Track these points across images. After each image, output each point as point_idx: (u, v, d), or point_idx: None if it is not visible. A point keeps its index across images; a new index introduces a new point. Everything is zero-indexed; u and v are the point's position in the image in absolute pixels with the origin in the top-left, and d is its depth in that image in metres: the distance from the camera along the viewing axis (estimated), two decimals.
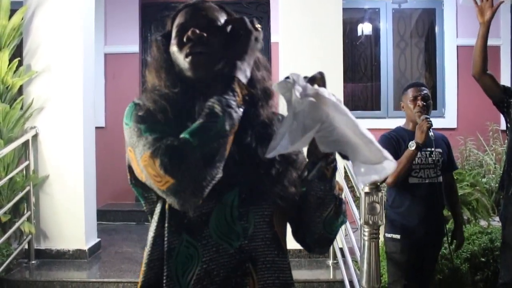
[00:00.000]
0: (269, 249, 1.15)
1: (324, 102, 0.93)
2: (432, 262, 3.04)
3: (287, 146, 0.94)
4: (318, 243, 1.23)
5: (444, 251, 3.32)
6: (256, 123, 1.17)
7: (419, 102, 2.91)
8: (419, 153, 2.82)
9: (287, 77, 0.95)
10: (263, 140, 1.14)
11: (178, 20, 1.20)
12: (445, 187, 3.02)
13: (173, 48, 1.18)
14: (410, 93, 2.97)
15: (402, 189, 2.90)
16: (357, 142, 0.93)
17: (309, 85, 0.95)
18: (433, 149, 2.89)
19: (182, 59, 1.15)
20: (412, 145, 2.78)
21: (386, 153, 0.93)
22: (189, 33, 1.14)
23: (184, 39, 1.15)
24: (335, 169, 1.15)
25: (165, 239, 1.09)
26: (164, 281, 1.08)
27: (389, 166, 0.92)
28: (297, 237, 1.27)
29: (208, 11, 1.19)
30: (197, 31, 1.14)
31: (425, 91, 2.97)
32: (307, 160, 1.16)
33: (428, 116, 2.84)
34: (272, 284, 1.14)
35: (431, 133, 2.81)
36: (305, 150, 1.14)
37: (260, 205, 1.14)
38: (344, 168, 3.40)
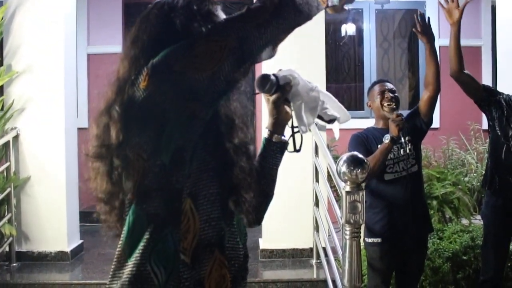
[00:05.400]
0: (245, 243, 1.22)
1: (318, 91, 1.34)
2: (418, 263, 2.91)
3: (310, 121, 1.32)
4: (267, 210, 1.33)
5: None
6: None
7: (387, 94, 2.85)
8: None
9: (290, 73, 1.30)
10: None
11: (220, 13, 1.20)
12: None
13: None
14: (377, 88, 2.91)
15: (379, 188, 2.82)
16: (338, 110, 1.39)
17: (307, 82, 1.32)
18: (402, 140, 2.80)
19: None
20: (386, 138, 2.72)
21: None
22: None
23: None
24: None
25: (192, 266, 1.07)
26: None
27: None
28: (255, 221, 1.29)
29: None
30: None
31: (391, 86, 2.92)
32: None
33: (400, 113, 2.79)
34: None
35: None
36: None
37: (244, 204, 1.18)
38: (327, 168, 3.41)
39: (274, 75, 1.27)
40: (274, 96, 1.27)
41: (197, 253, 1.05)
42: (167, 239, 1.04)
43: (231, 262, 1.11)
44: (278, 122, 1.32)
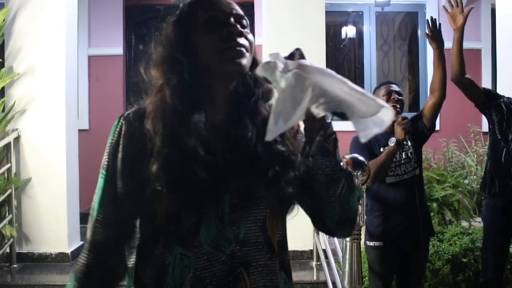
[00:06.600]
0: (261, 253, 1.12)
1: (308, 70, 0.95)
2: (419, 266, 2.89)
3: (283, 124, 0.95)
4: (340, 225, 1.18)
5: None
6: (256, 122, 1.13)
7: (394, 96, 2.84)
8: None
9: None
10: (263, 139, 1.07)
11: (209, 10, 1.13)
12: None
13: (207, 39, 1.11)
14: (383, 89, 2.89)
15: (380, 191, 2.81)
16: (350, 99, 0.94)
17: (289, 61, 0.96)
18: (404, 143, 2.79)
19: (219, 52, 1.09)
20: (392, 141, 2.72)
21: (380, 101, 0.94)
22: (233, 28, 1.11)
23: (225, 33, 1.10)
24: (336, 141, 1.09)
25: (159, 256, 1.11)
26: None
27: (387, 115, 0.94)
28: (317, 225, 1.25)
29: (236, 7, 1.16)
30: (240, 27, 1.12)
31: (397, 88, 2.91)
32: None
33: (406, 116, 2.81)
34: (264, 286, 1.13)
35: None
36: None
37: (252, 210, 1.11)
38: None
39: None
40: None
41: None
42: None
43: (206, 270, 1.09)
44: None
